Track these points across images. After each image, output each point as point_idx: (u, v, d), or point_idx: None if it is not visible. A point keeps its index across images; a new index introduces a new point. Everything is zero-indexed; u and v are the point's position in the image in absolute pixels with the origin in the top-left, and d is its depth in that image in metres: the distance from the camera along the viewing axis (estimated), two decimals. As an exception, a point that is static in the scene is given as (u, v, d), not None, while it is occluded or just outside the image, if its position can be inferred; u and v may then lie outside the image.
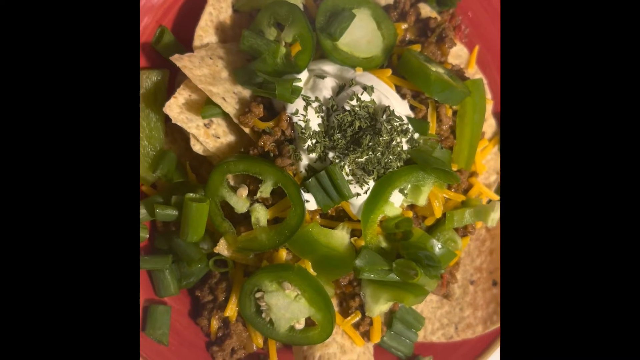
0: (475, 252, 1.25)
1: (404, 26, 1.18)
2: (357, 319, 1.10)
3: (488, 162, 1.25)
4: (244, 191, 1.03)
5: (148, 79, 1.09)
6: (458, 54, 1.26)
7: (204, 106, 1.03)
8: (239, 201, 1.03)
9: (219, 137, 1.06)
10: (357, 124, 1.01)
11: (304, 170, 1.02)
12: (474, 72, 1.27)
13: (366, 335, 1.11)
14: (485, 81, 1.24)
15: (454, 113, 1.16)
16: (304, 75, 1.06)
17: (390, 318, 1.14)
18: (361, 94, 1.02)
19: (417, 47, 1.16)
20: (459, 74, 1.19)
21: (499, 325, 1.17)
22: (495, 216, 1.14)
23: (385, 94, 1.06)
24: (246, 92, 1.07)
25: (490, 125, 1.26)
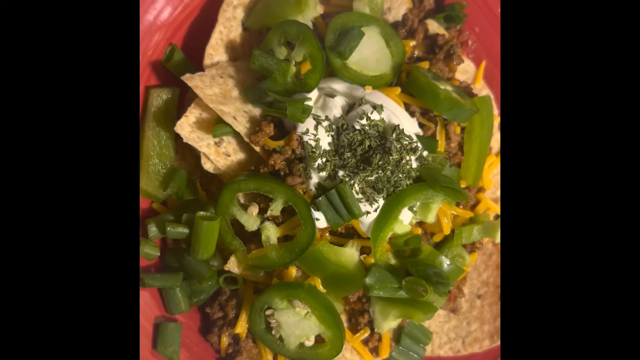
0: (482, 266, 1.25)
1: (412, 43, 1.19)
2: (366, 335, 1.11)
3: (495, 177, 1.26)
4: (254, 209, 1.03)
5: (159, 97, 1.09)
6: (465, 69, 1.26)
7: (215, 125, 1.03)
8: (250, 219, 1.04)
9: (229, 156, 1.06)
10: (367, 142, 1.02)
11: (314, 189, 1.03)
12: (480, 88, 1.28)
13: (375, 351, 1.12)
14: (492, 97, 1.25)
15: (462, 130, 1.17)
16: (314, 94, 1.07)
17: (398, 333, 1.15)
18: (371, 113, 1.03)
19: (425, 64, 1.16)
20: (466, 90, 1.19)
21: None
22: (502, 232, 1.15)
23: (394, 112, 1.06)
24: (256, 111, 1.07)
25: (497, 140, 1.27)
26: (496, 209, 1.21)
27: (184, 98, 1.14)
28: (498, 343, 1.19)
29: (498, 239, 1.15)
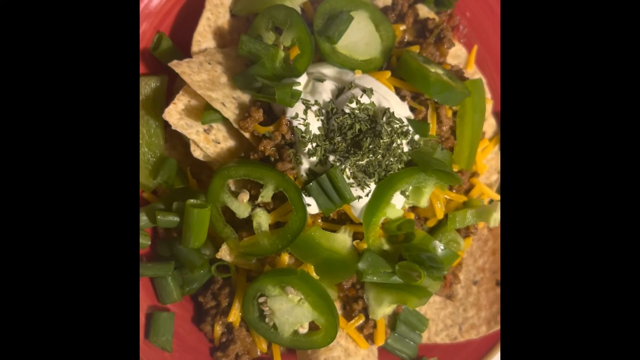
0: (477, 253, 1.24)
1: (402, 27, 1.18)
2: (361, 321, 1.10)
3: (489, 162, 1.25)
4: (245, 196, 1.03)
5: (147, 86, 1.09)
6: (457, 54, 1.25)
7: (204, 112, 1.02)
8: (240, 206, 1.03)
9: (219, 143, 1.05)
10: (357, 126, 1.01)
11: (304, 174, 1.02)
12: (473, 72, 1.27)
13: (370, 338, 1.11)
14: (484, 81, 1.24)
15: (454, 114, 1.16)
16: (303, 79, 1.06)
17: (393, 320, 1.14)
18: (361, 97, 1.02)
19: (415, 49, 1.15)
20: (458, 74, 1.18)
21: (502, 325, 1.16)
22: (497, 216, 1.14)
23: (384, 96, 1.05)
24: (245, 97, 1.06)
25: (490, 124, 1.26)
26: (490, 193, 1.20)
27: (173, 86, 1.13)
28: (495, 329, 1.18)
29: (492, 224, 1.14)
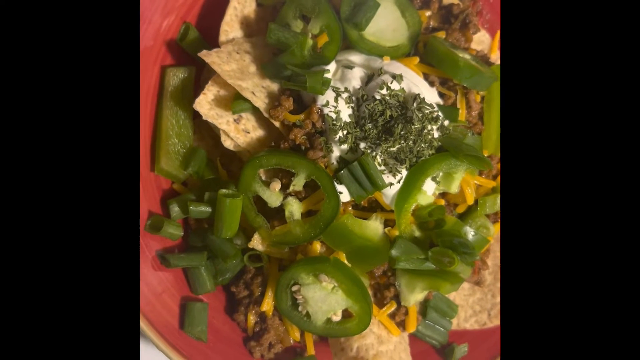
0: (504, 238, 1.24)
1: (428, 13, 1.18)
2: (393, 309, 1.10)
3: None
4: (276, 185, 1.03)
5: (175, 77, 1.08)
6: (480, 39, 1.25)
7: (234, 101, 1.02)
8: (272, 195, 1.03)
9: (248, 132, 1.05)
10: (388, 113, 1.01)
11: (335, 162, 1.02)
12: (496, 58, 1.26)
13: (402, 325, 1.11)
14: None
15: (481, 99, 1.16)
16: (331, 67, 1.06)
17: (424, 307, 1.14)
18: (391, 83, 1.02)
19: (441, 34, 1.15)
20: (483, 59, 1.18)
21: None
22: (526, 201, 1.14)
23: (414, 81, 1.05)
24: (274, 86, 1.06)
25: (515, 110, 1.25)
26: (518, 178, 1.20)
27: (200, 77, 1.13)
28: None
29: (522, 208, 1.14)
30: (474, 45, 1.22)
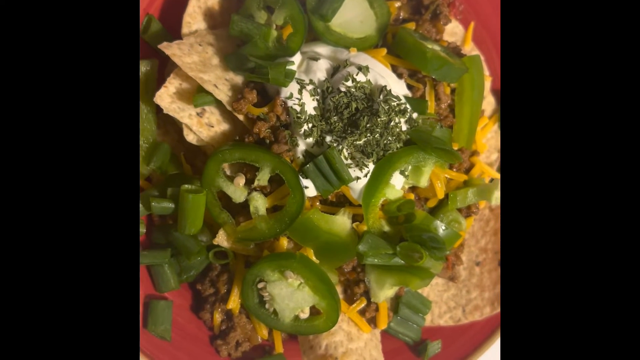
0: (479, 233, 1.22)
1: (397, 4, 1.16)
2: (363, 305, 1.08)
3: (489, 141, 1.23)
4: (241, 180, 1.00)
5: (137, 70, 1.06)
6: (453, 31, 1.23)
7: (196, 94, 1.00)
8: (237, 190, 1.01)
9: (212, 126, 1.03)
10: (354, 105, 0.99)
11: (301, 156, 1.00)
12: (470, 50, 1.24)
13: (372, 322, 1.10)
14: (482, 58, 1.21)
15: (452, 91, 1.14)
16: (296, 59, 1.04)
17: (396, 303, 1.12)
18: (356, 75, 1.00)
19: (411, 25, 1.13)
20: (455, 51, 1.16)
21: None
22: (498, 194, 1.12)
23: (381, 73, 1.03)
24: (238, 79, 1.04)
25: (489, 102, 1.24)
26: (491, 172, 1.18)
27: (164, 71, 1.11)
28: (499, 310, 1.16)
29: (494, 202, 1.12)
30: (446, 37, 1.20)
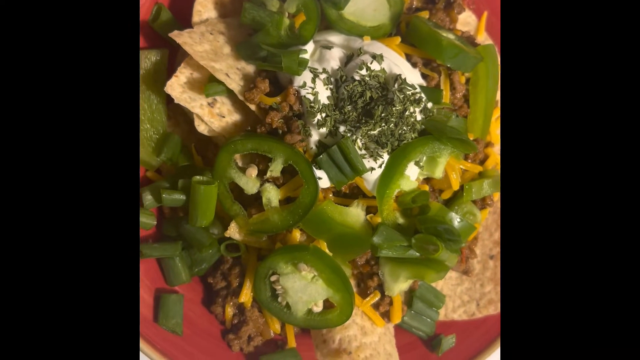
0: (493, 226, 1.21)
1: (411, -7, 1.14)
2: (377, 299, 1.07)
3: (503, 132, 1.21)
4: (253, 171, 0.99)
5: (147, 59, 1.04)
6: (466, 21, 1.21)
7: (207, 84, 0.98)
8: (249, 182, 0.99)
9: (223, 117, 1.01)
10: (368, 94, 0.97)
11: (314, 147, 0.98)
12: (483, 39, 1.22)
13: (386, 316, 1.08)
14: (496, 48, 1.20)
15: (467, 81, 1.12)
16: (309, 47, 1.02)
17: (409, 297, 1.10)
18: (371, 63, 0.98)
19: (425, 14, 1.11)
20: (469, 40, 1.14)
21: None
22: (514, 186, 1.10)
23: (395, 62, 1.01)
24: (250, 68, 1.02)
25: (503, 93, 1.22)
26: (506, 164, 1.16)
27: (174, 60, 1.09)
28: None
29: (510, 194, 1.11)
30: (459, 27, 1.18)
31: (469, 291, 1.18)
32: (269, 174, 0.97)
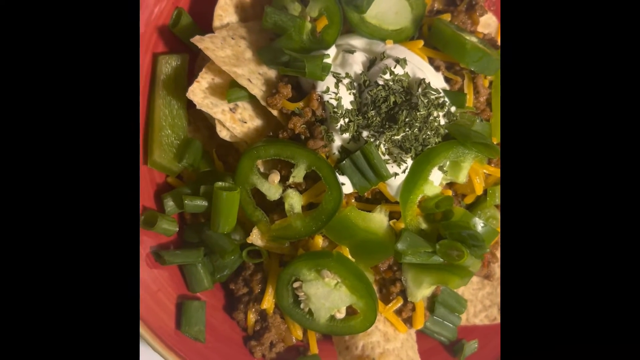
0: (514, 230, 1.19)
1: (432, -5, 1.13)
2: (399, 305, 1.06)
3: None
4: (275, 177, 0.98)
5: (167, 65, 1.03)
6: (487, 22, 1.20)
7: (229, 89, 0.97)
8: (271, 188, 0.98)
9: (245, 122, 1.00)
10: (392, 99, 0.96)
11: (337, 152, 0.97)
12: (504, 41, 1.21)
13: (409, 322, 1.07)
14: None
15: (489, 85, 1.10)
16: (331, 51, 1.01)
17: (432, 302, 1.09)
18: (394, 67, 0.97)
19: (447, 17, 1.10)
20: (491, 42, 1.13)
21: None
22: (538, 190, 1.09)
23: (418, 66, 1.00)
24: (272, 73, 1.01)
25: (524, 95, 1.20)
26: (528, 167, 1.15)
27: (194, 65, 1.08)
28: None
29: (533, 198, 1.09)
30: (480, 29, 1.17)
31: (491, 295, 1.17)
32: (291, 179, 0.96)
